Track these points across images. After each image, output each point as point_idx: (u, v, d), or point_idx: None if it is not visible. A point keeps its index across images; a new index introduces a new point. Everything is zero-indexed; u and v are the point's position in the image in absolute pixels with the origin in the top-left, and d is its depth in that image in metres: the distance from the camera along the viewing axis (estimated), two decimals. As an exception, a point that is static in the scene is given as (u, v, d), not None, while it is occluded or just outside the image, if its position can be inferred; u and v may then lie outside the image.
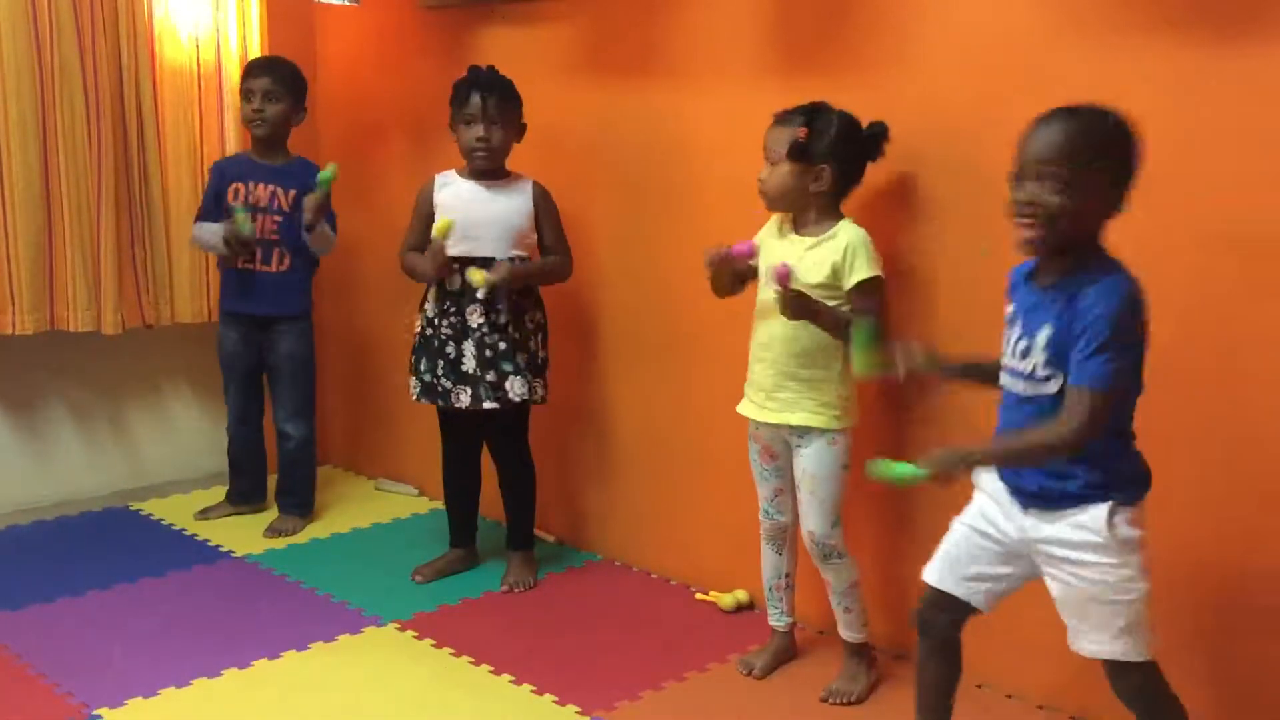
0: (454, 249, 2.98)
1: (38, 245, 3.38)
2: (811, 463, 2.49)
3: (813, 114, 2.45)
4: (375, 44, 3.80)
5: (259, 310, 3.44)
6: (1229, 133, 2.12)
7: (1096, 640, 1.86)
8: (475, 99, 2.95)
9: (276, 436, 3.55)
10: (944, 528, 2.56)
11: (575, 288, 3.27)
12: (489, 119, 2.95)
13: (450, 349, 3.01)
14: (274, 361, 3.49)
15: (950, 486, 1.89)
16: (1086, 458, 1.82)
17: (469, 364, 3.00)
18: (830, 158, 2.44)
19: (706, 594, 3.04)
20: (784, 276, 2.34)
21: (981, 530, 1.99)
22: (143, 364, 3.80)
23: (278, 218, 3.38)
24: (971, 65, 2.45)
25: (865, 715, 2.49)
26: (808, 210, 2.49)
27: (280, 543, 3.42)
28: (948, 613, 2.05)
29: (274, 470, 3.64)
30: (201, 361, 3.84)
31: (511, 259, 2.98)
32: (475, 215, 3.01)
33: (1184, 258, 2.19)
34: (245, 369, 3.52)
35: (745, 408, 2.59)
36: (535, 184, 3.07)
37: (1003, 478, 1.95)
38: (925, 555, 2.62)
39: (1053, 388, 1.83)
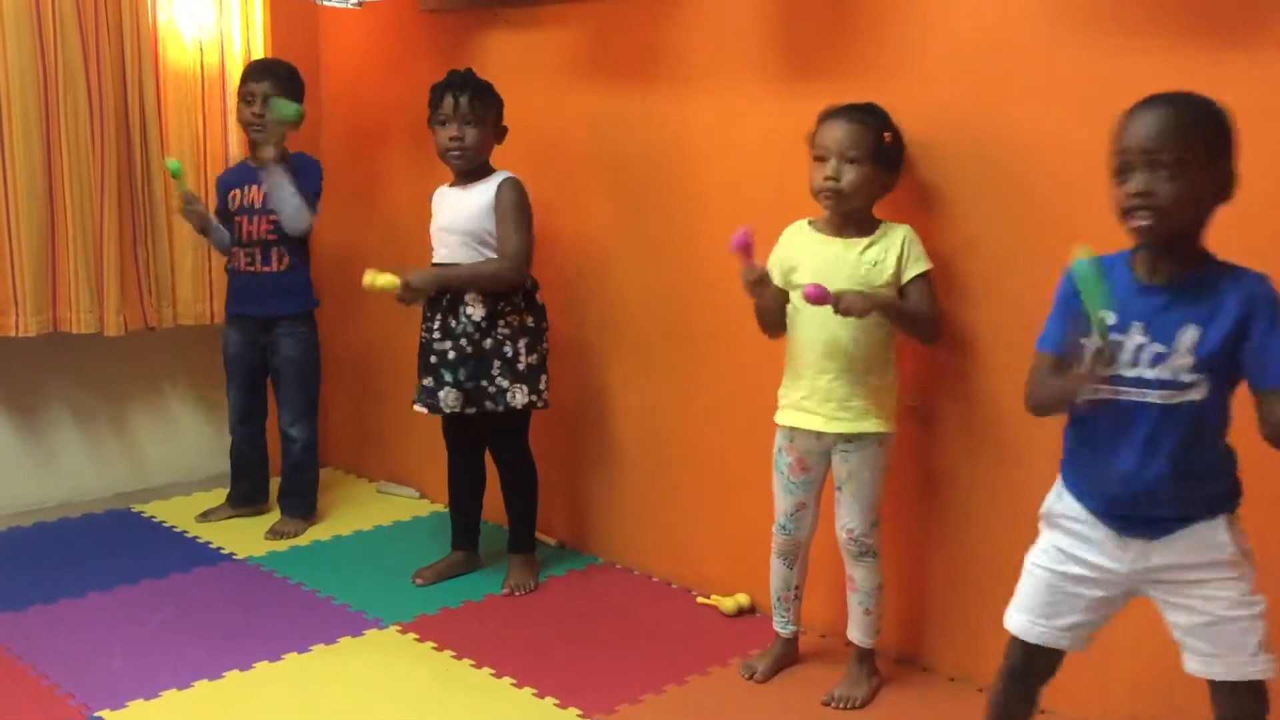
0: (434, 256, 3.05)
1: (41, 247, 3.39)
2: (860, 466, 2.48)
3: (880, 113, 2.44)
4: (377, 47, 3.81)
5: (260, 311, 3.45)
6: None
7: (1234, 662, 1.77)
8: (448, 99, 2.96)
9: (280, 439, 3.55)
10: (965, 537, 2.57)
11: (577, 291, 3.27)
12: (461, 118, 2.95)
13: (431, 356, 3.05)
14: (276, 364, 3.50)
15: None
16: (1213, 473, 1.77)
17: (420, 368, 3.05)
18: (899, 162, 2.46)
19: (708, 597, 3.04)
20: (818, 298, 2.31)
21: (1073, 574, 1.86)
22: (145, 366, 3.80)
23: (273, 217, 3.38)
24: (973, 68, 2.45)
25: None
26: (859, 213, 2.46)
27: (282, 545, 3.42)
28: (1044, 660, 1.93)
29: (276, 473, 3.64)
30: (203, 363, 3.85)
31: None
32: (442, 220, 3.04)
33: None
34: (247, 370, 3.53)
35: (805, 420, 2.50)
36: (506, 179, 3.00)
37: (1110, 509, 1.81)
38: (935, 563, 2.63)
39: (1198, 394, 1.72)
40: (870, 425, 2.45)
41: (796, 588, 2.65)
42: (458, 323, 2.98)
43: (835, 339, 2.43)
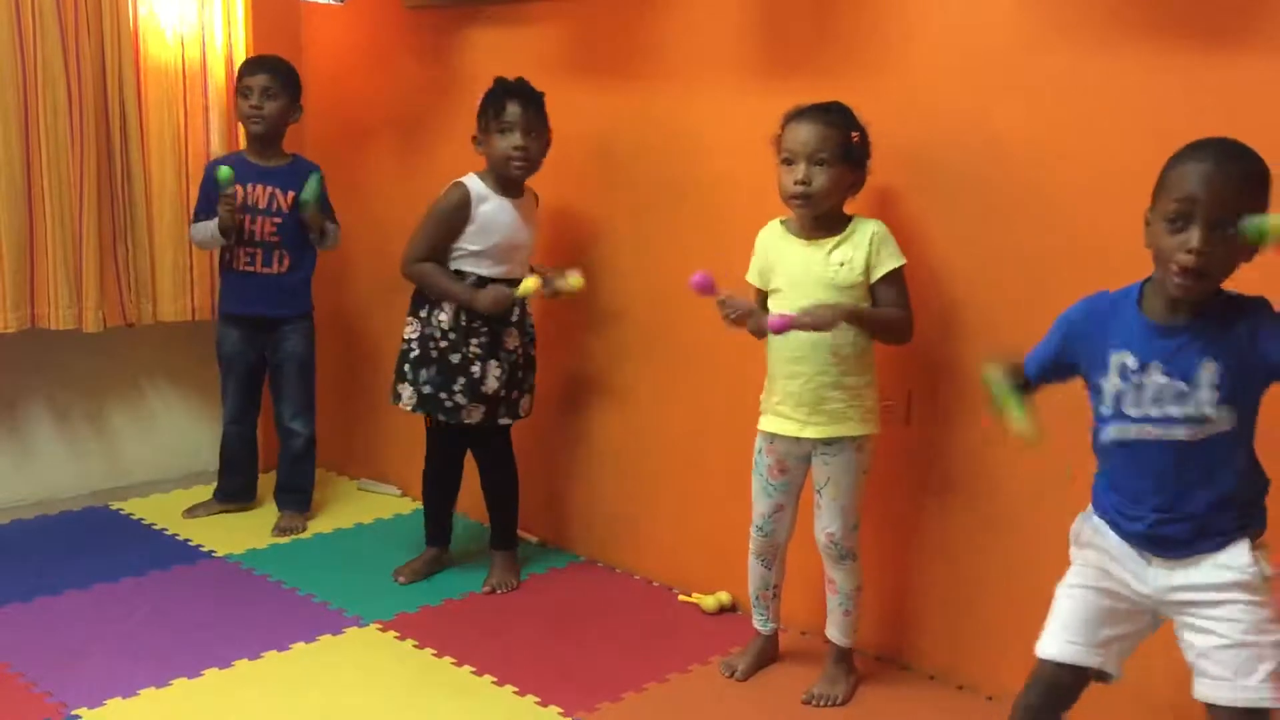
0: (491, 270, 2.97)
1: (19, 243, 3.36)
2: (838, 469, 2.47)
3: (847, 112, 2.43)
4: (361, 43, 3.80)
5: (262, 312, 3.44)
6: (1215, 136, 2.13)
7: (1242, 687, 1.75)
8: (514, 108, 2.91)
9: (281, 435, 3.54)
10: (946, 537, 2.58)
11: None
12: (526, 128, 2.91)
13: (475, 368, 2.96)
14: (278, 361, 3.49)
15: None
16: (1242, 497, 1.78)
17: (492, 384, 2.98)
18: (867, 159, 2.45)
19: (689, 595, 3.04)
20: (781, 327, 2.31)
21: (1107, 589, 1.87)
22: (124, 363, 3.78)
23: (277, 219, 3.36)
24: (958, 69, 2.46)
25: (847, 718, 2.49)
26: (830, 214, 2.45)
27: (263, 542, 3.40)
28: (1068, 690, 1.91)
29: (265, 469, 3.64)
30: (183, 360, 3.83)
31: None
32: (513, 238, 2.99)
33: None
34: (245, 369, 3.51)
35: (780, 425, 2.50)
36: (535, 194, 3.08)
37: (1134, 531, 1.83)
38: (924, 562, 2.64)
39: (1226, 425, 1.74)
40: (846, 429, 2.45)
41: (775, 587, 2.65)
42: (525, 332, 3.05)
43: (804, 343, 2.42)
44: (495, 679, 2.62)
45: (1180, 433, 1.77)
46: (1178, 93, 2.17)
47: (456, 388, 2.97)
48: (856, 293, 2.41)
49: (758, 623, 2.68)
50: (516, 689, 2.57)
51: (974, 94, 2.44)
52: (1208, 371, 1.74)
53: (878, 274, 2.41)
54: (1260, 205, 1.71)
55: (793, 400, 2.46)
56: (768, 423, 2.53)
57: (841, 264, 2.41)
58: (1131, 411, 1.80)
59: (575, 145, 3.19)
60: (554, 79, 3.19)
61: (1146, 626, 1.89)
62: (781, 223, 2.53)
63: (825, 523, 2.51)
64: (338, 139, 3.88)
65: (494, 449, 3.16)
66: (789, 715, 2.49)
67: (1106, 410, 1.84)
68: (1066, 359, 1.91)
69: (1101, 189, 2.26)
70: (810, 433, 2.46)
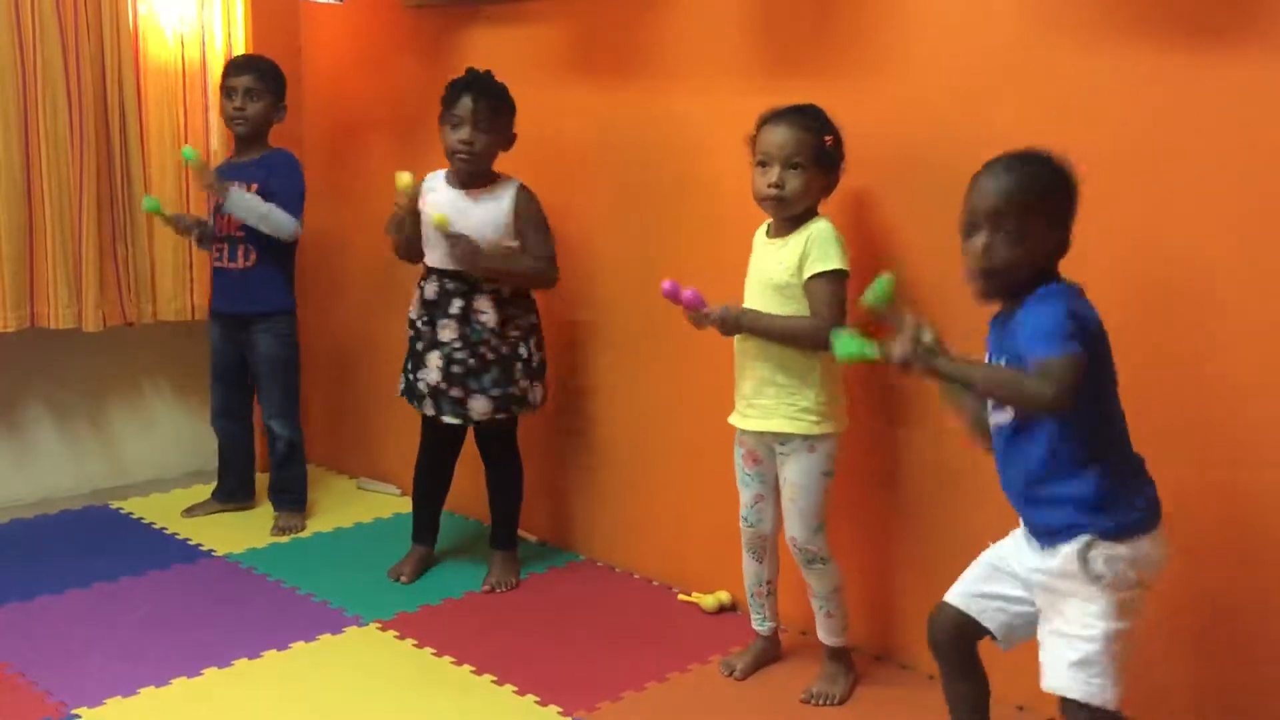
0: (431, 260, 2.99)
1: (19, 243, 3.37)
2: (792, 470, 2.48)
3: (821, 116, 2.43)
4: (359, 42, 3.80)
5: (231, 308, 3.44)
6: (1210, 136, 2.14)
7: (1048, 673, 1.85)
8: (465, 101, 2.92)
9: (267, 436, 3.55)
10: (931, 533, 2.59)
11: (559, 288, 3.27)
12: (475, 123, 2.92)
13: (425, 358, 3.01)
14: (253, 360, 3.49)
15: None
16: (1065, 490, 1.84)
17: (434, 376, 2.99)
18: (839, 163, 2.45)
19: (689, 595, 3.04)
20: (668, 294, 2.42)
21: (1001, 553, 1.99)
22: (124, 362, 3.79)
23: None
24: (956, 67, 2.46)
25: (846, 716, 2.50)
26: (801, 215, 2.46)
27: (262, 541, 3.41)
28: (956, 630, 2.02)
29: (262, 469, 3.64)
30: (183, 359, 3.84)
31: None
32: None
33: (1164, 259, 2.20)
34: (225, 364, 3.52)
35: (732, 416, 2.58)
36: (520, 187, 3.02)
37: (1025, 518, 1.94)
38: (910, 560, 2.66)
39: (1010, 414, 1.87)
40: (774, 424, 2.46)
41: (769, 582, 2.65)
42: (472, 329, 2.97)
43: (745, 337, 2.49)
44: (495, 678, 2.62)
45: (1000, 417, 1.91)
46: (1177, 93, 2.17)
47: (420, 375, 3.03)
48: (791, 291, 2.42)
49: (755, 623, 2.68)
50: (516, 688, 2.57)
51: (973, 95, 2.43)
52: (1001, 363, 1.88)
53: (805, 275, 2.40)
54: (1049, 211, 1.85)
55: (739, 391, 2.53)
56: (731, 414, 2.59)
57: (779, 262, 2.43)
58: (989, 401, 1.95)
59: (574, 145, 3.20)
60: (554, 79, 3.20)
61: (1024, 601, 1.93)
62: (766, 226, 2.55)
63: (788, 527, 2.52)
64: (337, 138, 3.88)
65: (497, 448, 3.16)
66: (788, 714, 2.50)
67: None
68: None
69: (1101, 189, 2.26)
70: (747, 424, 2.52)
